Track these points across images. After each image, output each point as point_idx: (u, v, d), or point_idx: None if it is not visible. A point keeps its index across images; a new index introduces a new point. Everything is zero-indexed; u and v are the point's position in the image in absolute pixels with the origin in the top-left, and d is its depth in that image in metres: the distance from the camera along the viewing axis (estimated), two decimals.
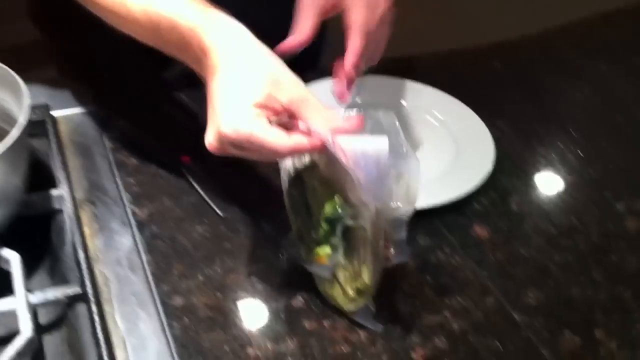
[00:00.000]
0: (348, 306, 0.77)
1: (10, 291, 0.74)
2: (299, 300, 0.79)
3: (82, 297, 0.76)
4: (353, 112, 0.71)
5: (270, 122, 0.69)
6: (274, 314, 0.78)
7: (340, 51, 0.88)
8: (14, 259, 0.76)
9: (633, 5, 1.35)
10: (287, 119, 0.70)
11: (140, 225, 0.86)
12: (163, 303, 0.78)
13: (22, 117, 0.77)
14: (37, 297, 0.75)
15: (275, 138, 0.68)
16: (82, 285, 0.76)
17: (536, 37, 1.27)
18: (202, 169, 0.92)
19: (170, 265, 0.82)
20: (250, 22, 0.74)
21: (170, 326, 0.76)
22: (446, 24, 1.91)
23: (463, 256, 0.86)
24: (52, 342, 0.75)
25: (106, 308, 0.77)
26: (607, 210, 0.94)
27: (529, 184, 0.97)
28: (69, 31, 1.13)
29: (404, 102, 1.06)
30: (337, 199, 0.75)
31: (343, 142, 0.69)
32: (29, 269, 0.79)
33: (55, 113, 0.99)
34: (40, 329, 0.75)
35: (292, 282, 0.81)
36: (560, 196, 0.96)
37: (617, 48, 1.26)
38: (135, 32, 0.79)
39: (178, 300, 0.78)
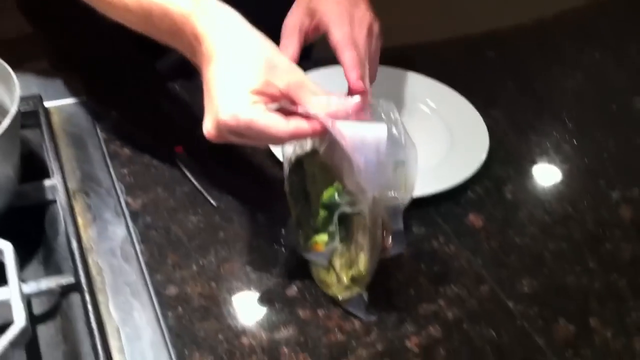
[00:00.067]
0: (342, 294, 0.77)
1: (3, 281, 0.73)
2: (293, 290, 0.79)
3: (75, 287, 0.76)
4: (352, 98, 0.71)
5: (267, 108, 0.69)
6: (269, 303, 0.78)
7: None
8: (7, 249, 0.75)
9: None
10: (287, 104, 0.70)
11: (134, 216, 0.86)
12: (157, 293, 0.78)
13: (13, 107, 0.76)
14: (30, 287, 0.74)
15: (275, 123, 0.68)
16: (76, 275, 0.76)
17: (530, 26, 1.27)
18: (196, 159, 0.92)
19: (165, 255, 0.82)
20: (246, 12, 0.73)
21: (165, 316, 0.76)
22: (440, 13, 1.90)
23: (458, 245, 0.86)
24: (46, 332, 0.75)
25: (100, 298, 0.77)
26: (602, 198, 0.94)
27: (524, 173, 0.97)
28: (60, 22, 1.12)
29: (398, 92, 1.06)
30: (335, 185, 0.75)
31: (343, 127, 0.69)
32: (23, 260, 0.79)
33: (48, 104, 0.98)
34: (34, 319, 0.75)
35: (286, 271, 0.81)
36: (555, 185, 0.96)
37: (611, 37, 1.26)
38: (127, 20, 0.78)
39: (172, 290, 0.78)
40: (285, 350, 0.74)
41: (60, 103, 1.00)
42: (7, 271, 0.74)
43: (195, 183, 0.90)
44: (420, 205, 0.86)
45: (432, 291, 0.80)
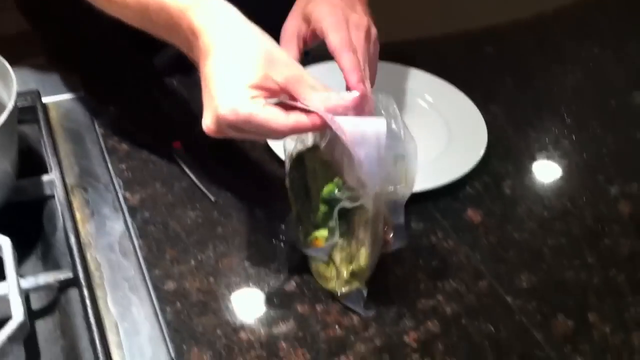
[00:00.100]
0: (341, 289, 0.77)
1: (1, 277, 0.73)
2: (291, 285, 0.79)
3: (74, 282, 0.76)
4: (350, 93, 0.70)
5: (266, 102, 0.69)
6: (267, 298, 0.78)
7: None
8: (5, 244, 0.75)
9: None
10: (286, 99, 0.70)
11: (132, 211, 0.86)
12: (155, 288, 0.78)
13: (10, 102, 0.76)
14: (28, 282, 0.74)
15: (275, 117, 0.68)
16: (74, 270, 0.76)
17: (529, 21, 1.27)
18: (194, 155, 0.92)
19: (163, 250, 0.82)
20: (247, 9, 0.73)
21: (163, 311, 0.75)
22: (439, 9, 1.90)
23: (456, 240, 0.86)
24: (44, 327, 0.75)
25: (98, 293, 0.77)
26: (601, 194, 0.94)
27: (522, 168, 0.97)
28: (58, 20, 1.12)
29: (397, 87, 1.05)
30: (336, 181, 0.75)
31: (342, 122, 0.69)
32: (21, 255, 0.79)
33: (46, 99, 0.98)
34: (32, 315, 0.75)
35: (284, 266, 0.81)
36: (554, 180, 0.96)
37: (610, 32, 1.26)
38: (124, 15, 0.78)
39: (170, 285, 0.78)
40: (284, 345, 0.74)
41: (58, 98, 1.00)
42: (5, 266, 0.74)
43: (194, 178, 0.89)
44: (419, 200, 0.86)
45: (431, 286, 0.80)
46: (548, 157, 0.99)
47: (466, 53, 1.19)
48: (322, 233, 0.77)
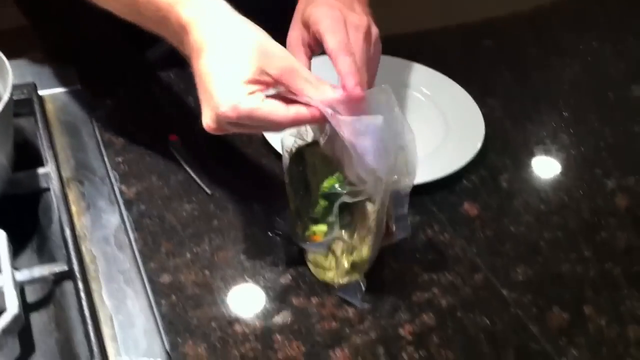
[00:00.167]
0: (340, 280, 0.77)
1: None
2: (287, 278, 0.79)
3: (68, 275, 0.75)
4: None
5: (264, 95, 0.68)
6: (262, 291, 0.78)
7: None
8: (0, 237, 0.75)
9: None
10: (284, 90, 0.70)
11: (128, 204, 0.86)
12: (151, 281, 0.78)
13: (5, 94, 0.76)
14: (23, 275, 0.74)
15: (275, 110, 0.68)
16: (69, 263, 0.76)
17: (527, 15, 1.26)
18: (190, 148, 0.92)
19: (158, 243, 0.82)
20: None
21: (158, 303, 0.75)
22: (437, 1, 1.90)
23: (452, 233, 0.85)
24: (39, 320, 0.75)
25: (93, 286, 0.77)
26: (598, 187, 0.93)
27: (519, 162, 0.97)
28: (56, 14, 1.12)
29: (394, 80, 1.05)
30: (337, 176, 0.75)
31: (341, 116, 0.69)
32: (17, 248, 0.79)
33: (43, 92, 0.98)
34: (27, 307, 0.75)
35: (280, 259, 0.81)
36: (551, 174, 0.96)
37: (609, 25, 1.26)
38: (114, 8, 0.78)
39: (166, 278, 0.78)
40: (279, 337, 0.73)
41: (54, 91, 1.00)
42: (0, 259, 0.74)
43: (190, 171, 0.89)
44: (415, 193, 0.84)
45: (427, 279, 0.80)
46: (545, 151, 0.99)
47: (464, 46, 1.19)
48: (321, 228, 0.77)
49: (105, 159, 0.91)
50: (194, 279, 0.78)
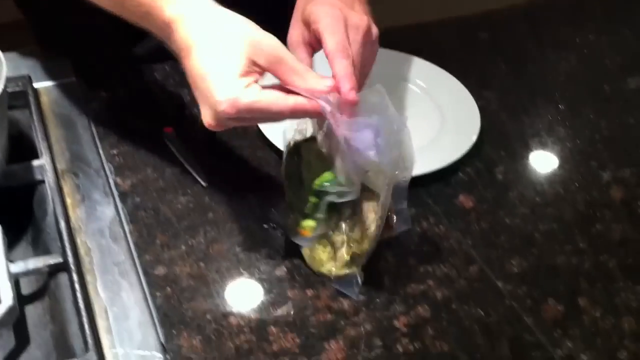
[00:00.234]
0: (337, 271, 0.77)
1: None
2: (282, 270, 0.79)
3: (63, 267, 0.75)
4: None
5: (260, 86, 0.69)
6: (257, 283, 0.78)
7: None
8: None
9: None
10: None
11: (123, 196, 0.86)
12: (145, 273, 0.78)
13: None
14: (18, 267, 0.74)
15: (275, 100, 0.68)
16: (64, 255, 0.75)
17: (523, 7, 1.26)
18: (185, 140, 0.92)
19: (153, 235, 0.82)
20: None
21: (153, 296, 0.75)
22: None
23: (447, 226, 0.85)
24: (34, 312, 0.74)
25: (88, 278, 0.76)
26: (593, 179, 0.93)
27: (515, 154, 0.97)
28: (50, 7, 1.12)
29: (390, 73, 1.05)
30: (328, 174, 0.75)
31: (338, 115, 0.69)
32: (11, 240, 0.79)
33: (37, 85, 0.98)
34: (22, 300, 0.75)
35: (275, 251, 0.81)
36: (546, 166, 0.96)
37: (605, 18, 1.26)
38: (100, 2, 0.78)
39: (161, 270, 0.78)
40: (274, 329, 0.74)
41: (49, 84, 1.00)
42: None
43: (185, 163, 0.89)
44: (411, 185, 0.84)
45: (422, 271, 0.80)
46: (541, 143, 0.99)
47: (461, 39, 1.19)
48: (310, 223, 0.78)
49: (100, 151, 0.91)
50: (188, 271, 0.78)
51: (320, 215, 0.76)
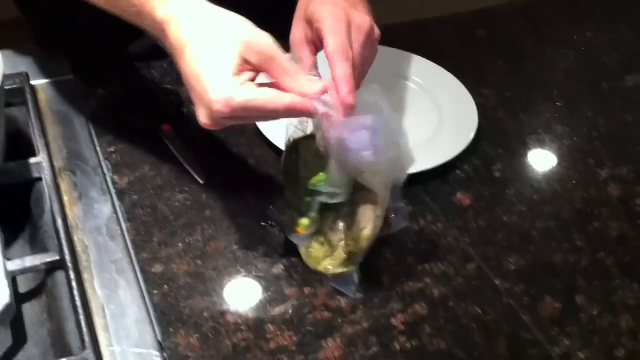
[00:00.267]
0: (334, 270, 0.77)
1: None
2: (279, 268, 0.79)
3: (60, 265, 0.75)
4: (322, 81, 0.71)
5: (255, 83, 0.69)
6: (255, 281, 0.78)
7: None
8: None
9: None
10: None
11: (121, 194, 0.86)
12: (143, 271, 0.78)
13: None
14: (15, 265, 0.74)
15: (271, 98, 0.68)
16: (61, 252, 0.75)
17: (522, 4, 1.26)
18: (183, 138, 0.91)
19: (151, 233, 0.82)
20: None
21: (150, 294, 0.75)
22: None
23: (445, 223, 0.85)
24: (31, 310, 0.75)
25: (85, 276, 0.76)
26: (591, 177, 0.93)
27: (513, 152, 0.97)
28: (47, 3, 1.11)
29: (388, 70, 1.05)
30: (323, 174, 0.75)
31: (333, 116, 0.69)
32: (9, 238, 0.79)
33: (35, 82, 0.98)
34: (19, 298, 0.75)
35: (273, 249, 0.81)
36: (544, 164, 0.96)
37: (603, 15, 1.25)
38: (95, 0, 0.78)
39: (158, 268, 0.78)
40: (271, 327, 0.74)
41: (47, 81, 0.99)
42: None
43: (182, 161, 0.89)
44: (409, 183, 0.85)
45: (419, 269, 0.80)
46: (539, 141, 0.99)
47: (458, 36, 1.18)
48: (304, 222, 0.78)
49: (98, 148, 0.91)
50: (186, 269, 0.78)
51: (313, 214, 0.76)
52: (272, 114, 0.70)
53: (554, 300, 0.78)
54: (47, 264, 0.75)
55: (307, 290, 0.77)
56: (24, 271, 0.75)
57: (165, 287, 0.76)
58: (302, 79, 0.69)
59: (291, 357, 0.71)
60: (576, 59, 1.14)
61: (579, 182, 0.92)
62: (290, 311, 0.75)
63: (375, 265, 0.80)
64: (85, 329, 0.69)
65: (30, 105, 0.91)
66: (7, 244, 0.78)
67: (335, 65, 0.74)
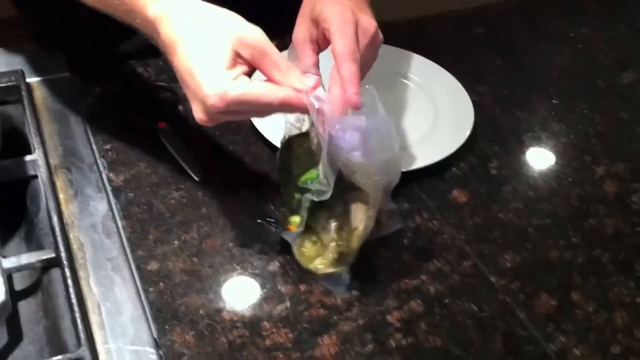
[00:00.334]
0: (324, 269, 0.77)
1: None
2: (275, 265, 0.79)
3: (56, 262, 0.75)
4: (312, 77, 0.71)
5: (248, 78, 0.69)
6: (251, 278, 0.78)
7: None
8: None
9: None
10: None
11: (116, 191, 0.85)
12: (138, 268, 0.78)
13: None
14: (10, 262, 0.74)
15: (265, 91, 0.68)
16: (56, 250, 0.75)
17: (518, 1, 1.26)
18: (179, 135, 0.91)
19: (146, 230, 0.82)
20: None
21: (146, 291, 0.75)
22: None
23: (441, 220, 0.85)
24: (26, 308, 0.74)
25: (81, 273, 0.76)
26: (587, 174, 0.93)
27: (509, 149, 0.97)
28: (43, 1, 1.11)
29: (384, 67, 1.04)
30: (314, 171, 0.75)
31: (327, 114, 0.69)
32: (4, 236, 0.79)
33: (31, 79, 0.97)
34: (15, 295, 0.75)
35: (269, 247, 0.81)
36: (540, 161, 0.96)
37: (599, 13, 1.25)
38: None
39: (154, 266, 0.78)
40: (267, 325, 0.73)
41: (43, 78, 0.99)
42: None
43: (178, 158, 0.89)
44: (405, 180, 0.85)
45: (415, 266, 0.80)
46: (535, 138, 0.99)
47: (455, 33, 1.18)
48: (295, 219, 0.78)
49: (93, 146, 0.91)
50: (182, 266, 0.78)
51: (302, 212, 0.76)
52: (267, 108, 0.70)
53: (549, 297, 0.78)
54: (42, 261, 0.75)
55: (302, 287, 0.77)
56: (19, 268, 0.75)
57: (161, 284, 0.76)
58: (293, 74, 0.69)
59: (287, 354, 0.71)
60: (573, 57, 1.14)
61: (575, 179, 0.92)
62: (286, 308, 0.75)
63: (371, 262, 0.80)
64: (80, 327, 0.69)
65: (26, 102, 0.91)
66: (3, 242, 0.78)
67: (343, 66, 0.74)
